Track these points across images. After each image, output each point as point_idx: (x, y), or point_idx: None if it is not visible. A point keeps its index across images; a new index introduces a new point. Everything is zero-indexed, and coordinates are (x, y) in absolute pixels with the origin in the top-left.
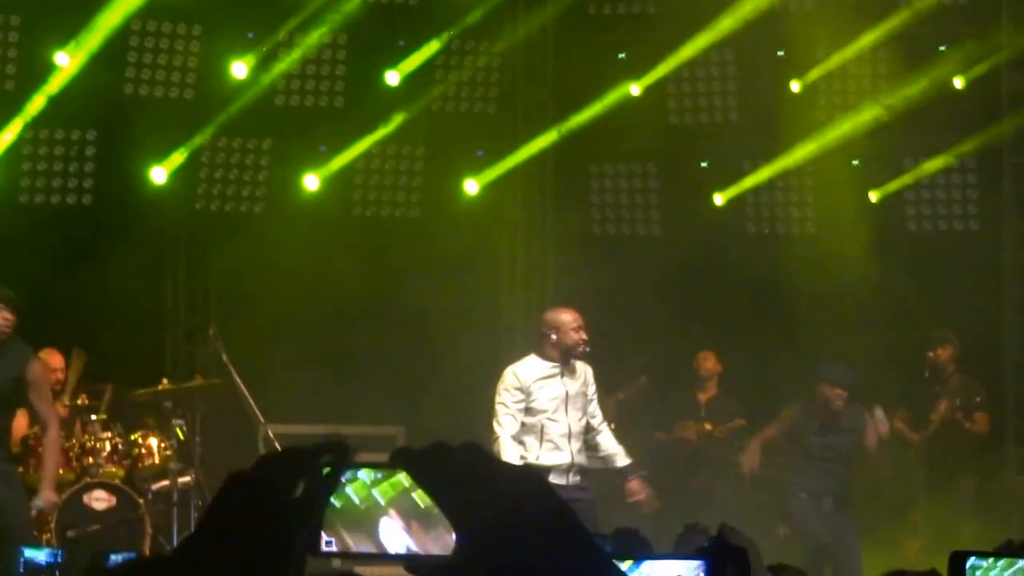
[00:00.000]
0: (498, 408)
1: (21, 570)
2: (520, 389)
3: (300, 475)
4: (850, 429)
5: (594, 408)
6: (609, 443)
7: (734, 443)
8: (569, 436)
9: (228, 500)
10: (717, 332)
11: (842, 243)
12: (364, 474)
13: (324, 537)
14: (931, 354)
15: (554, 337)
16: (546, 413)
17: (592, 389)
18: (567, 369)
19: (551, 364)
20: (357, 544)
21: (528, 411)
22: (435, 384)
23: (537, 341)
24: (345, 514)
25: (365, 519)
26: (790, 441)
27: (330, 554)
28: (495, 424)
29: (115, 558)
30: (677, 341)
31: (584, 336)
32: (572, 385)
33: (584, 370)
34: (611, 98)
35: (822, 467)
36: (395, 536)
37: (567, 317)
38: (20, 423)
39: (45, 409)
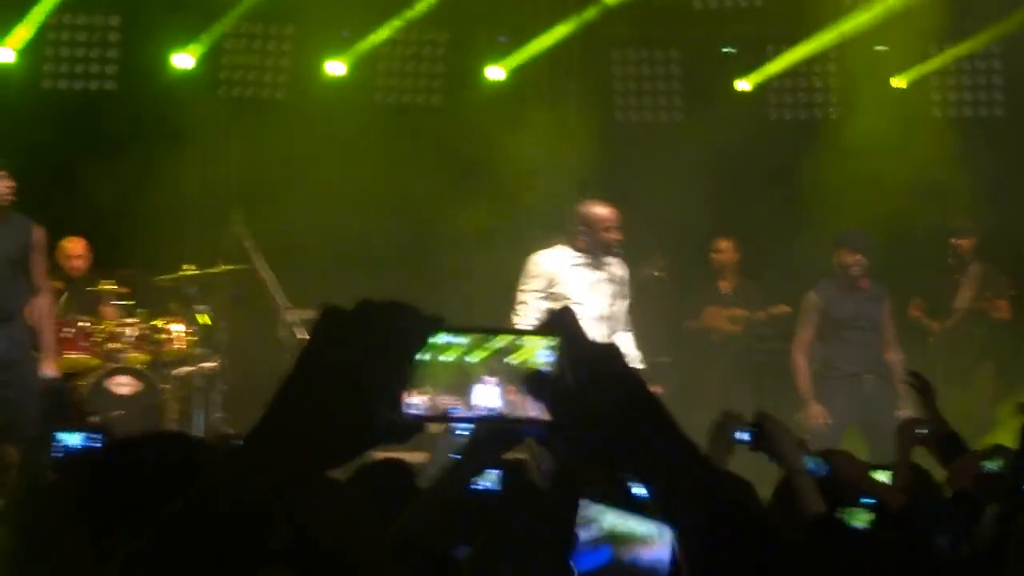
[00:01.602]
0: (517, 295)
1: (57, 455)
2: (539, 277)
3: (396, 321)
4: (876, 297)
5: (621, 308)
6: (628, 348)
7: (771, 330)
8: (596, 320)
9: (324, 329)
10: (738, 219)
11: (865, 130)
12: (458, 338)
13: (409, 400)
14: (953, 241)
15: (583, 232)
16: (570, 300)
17: (625, 290)
18: (596, 261)
19: (578, 255)
20: (448, 404)
21: (551, 297)
22: (455, 271)
23: (568, 231)
24: (437, 374)
25: (458, 380)
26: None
27: (416, 416)
28: (512, 313)
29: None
30: (698, 228)
31: (616, 236)
32: (600, 274)
33: (619, 269)
34: None
35: (859, 339)
36: (489, 398)
37: (601, 213)
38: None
39: (41, 278)
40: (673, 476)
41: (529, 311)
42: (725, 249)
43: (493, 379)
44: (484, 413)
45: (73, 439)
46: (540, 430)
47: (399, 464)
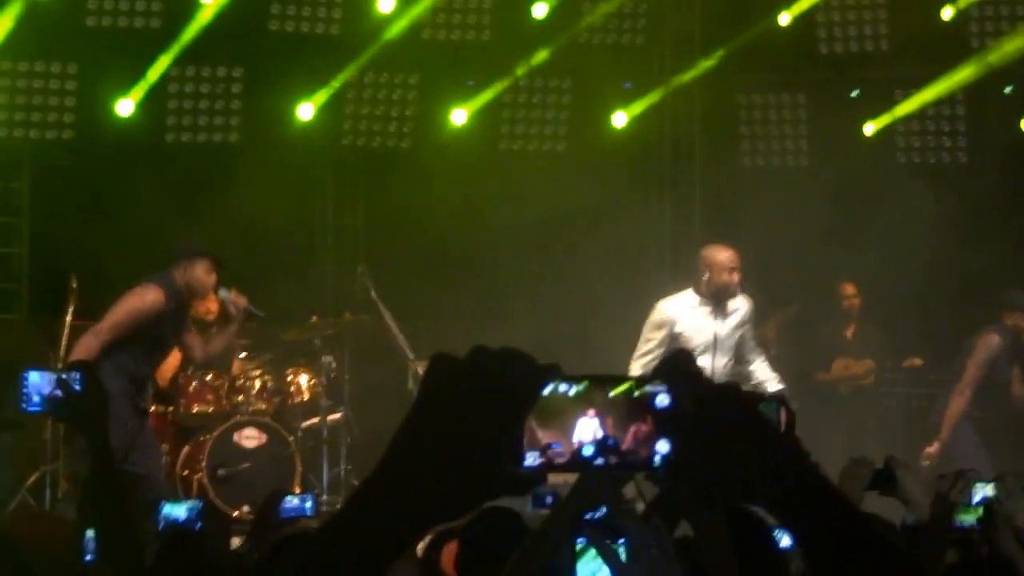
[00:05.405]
0: (640, 344)
1: (160, 526)
2: (663, 325)
3: (511, 370)
4: None
5: (748, 342)
6: (763, 371)
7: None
8: (721, 360)
9: (437, 378)
10: (866, 263)
11: (994, 173)
12: (574, 386)
13: (527, 452)
14: None
15: (706, 276)
16: (691, 345)
17: (747, 326)
18: (720, 309)
19: (703, 301)
20: (549, 438)
21: (674, 342)
22: (582, 321)
23: (695, 277)
24: (539, 409)
25: (560, 416)
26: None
27: (532, 468)
28: (632, 360)
29: (291, 499)
30: (825, 272)
31: (736, 278)
32: (723, 326)
33: (741, 306)
34: (760, 27)
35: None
36: (588, 430)
37: (721, 256)
38: (170, 361)
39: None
40: (809, 508)
41: (643, 357)
42: (852, 295)
43: (593, 413)
44: (592, 452)
45: (177, 510)
46: (655, 469)
47: (509, 512)
